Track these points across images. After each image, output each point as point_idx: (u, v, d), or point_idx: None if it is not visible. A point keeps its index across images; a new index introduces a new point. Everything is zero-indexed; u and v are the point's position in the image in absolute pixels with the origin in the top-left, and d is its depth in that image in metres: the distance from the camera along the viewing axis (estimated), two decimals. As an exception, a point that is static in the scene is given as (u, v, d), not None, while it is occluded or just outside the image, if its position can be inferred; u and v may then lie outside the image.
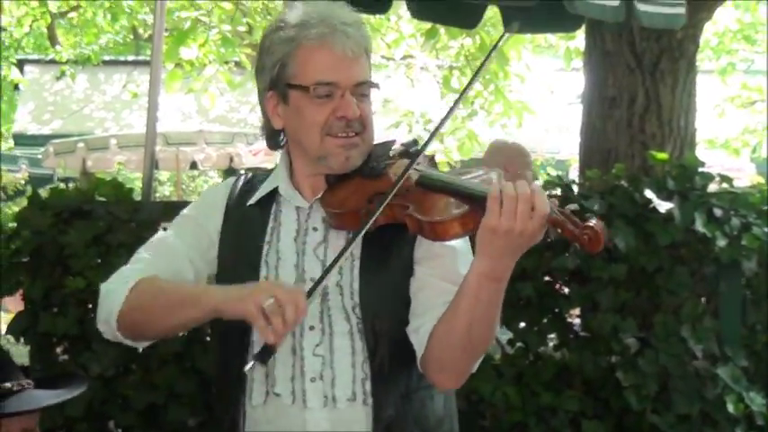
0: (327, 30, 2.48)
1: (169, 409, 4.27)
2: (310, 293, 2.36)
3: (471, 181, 2.44)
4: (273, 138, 2.66)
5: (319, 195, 2.57)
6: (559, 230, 2.27)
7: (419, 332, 2.49)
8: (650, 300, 4.45)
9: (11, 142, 13.42)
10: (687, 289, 4.44)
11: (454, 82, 10.11)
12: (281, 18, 2.59)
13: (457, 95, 10.84)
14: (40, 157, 11.41)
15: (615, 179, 4.48)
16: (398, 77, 11.51)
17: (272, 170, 2.72)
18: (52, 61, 13.66)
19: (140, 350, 3.00)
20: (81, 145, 10.70)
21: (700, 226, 4.32)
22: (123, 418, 4.30)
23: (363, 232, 2.47)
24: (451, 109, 2.89)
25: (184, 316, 2.51)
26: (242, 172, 3.14)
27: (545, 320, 4.50)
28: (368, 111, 2.55)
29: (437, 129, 2.73)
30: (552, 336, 4.59)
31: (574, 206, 2.37)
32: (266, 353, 2.32)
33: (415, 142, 2.64)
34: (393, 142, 2.65)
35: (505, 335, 4.38)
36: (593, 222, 2.18)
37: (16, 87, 14.25)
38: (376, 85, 2.56)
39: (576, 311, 4.71)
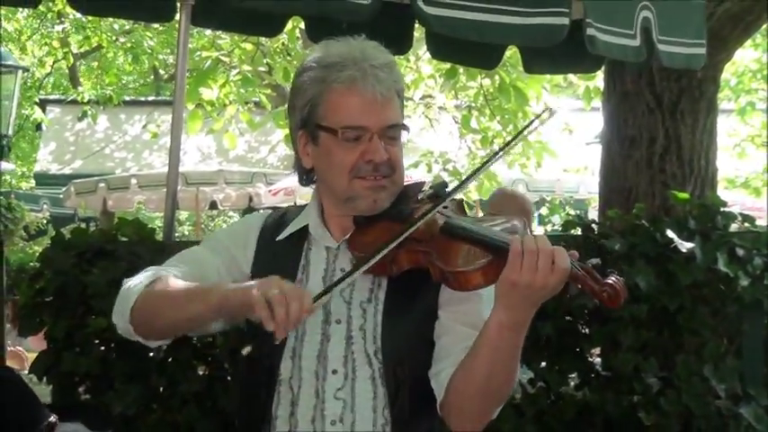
0: (358, 73, 2.49)
1: (190, 449, 4.12)
2: (317, 298, 2.40)
3: (494, 230, 2.46)
4: (304, 175, 2.69)
5: (347, 236, 2.59)
6: (579, 286, 2.29)
7: (440, 377, 2.51)
8: (672, 339, 4.41)
9: (32, 182, 13.43)
10: (709, 328, 4.39)
11: (473, 122, 10.09)
12: (313, 57, 2.61)
13: (477, 136, 10.97)
14: (61, 196, 11.44)
15: (636, 219, 4.46)
16: (417, 117, 11.45)
17: (304, 206, 2.73)
18: (74, 101, 13.67)
19: (161, 390, 3.05)
20: (102, 185, 10.78)
21: (722, 265, 4.30)
22: (144, 458, 4.18)
23: (378, 258, 2.49)
24: (489, 161, 2.91)
25: (190, 310, 2.54)
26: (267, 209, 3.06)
27: (566, 359, 4.38)
28: (397, 153, 2.57)
29: (469, 177, 2.83)
30: (573, 375, 4.48)
31: (596, 261, 2.22)
32: (271, 341, 2.40)
33: (445, 185, 2.66)
34: (423, 184, 2.67)
35: (526, 374, 4.29)
36: (612, 279, 2.20)
37: (38, 127, 14.29)
38: (406, 128, 2.58)
39: (597, 351, 4.68)
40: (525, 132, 3.04)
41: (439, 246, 2.47)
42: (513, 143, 2.95)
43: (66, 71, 14.02)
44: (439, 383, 2.51)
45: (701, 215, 4.43)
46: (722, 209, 4.51)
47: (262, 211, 3.01)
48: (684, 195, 4.75)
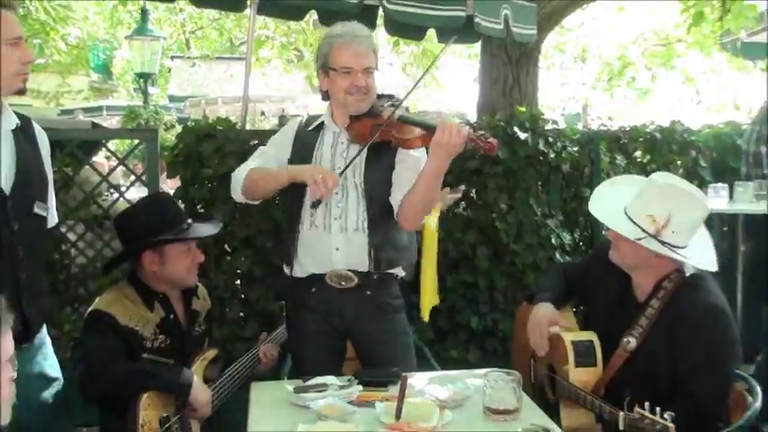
0: (350, 38, 3.09)
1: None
2: (341, 174, 3.01)
3: (426, 118, 3.02)
4: (322, 94, 3.24)
5: (345, 125, 3.16)
6: (473, 144, 2.85)
7: (395, 198, 3.10)
8: (515, 184, 5.30)
9: (167, 99, 16.42)
10: (533, 179, 5.34)
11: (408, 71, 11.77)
12: (329, 31, 3.22)
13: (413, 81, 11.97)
14: (182, 107, 14.08)
15: (497, 121, 5.39)
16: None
17: (321, 114, 3.29)
18: (188, 57, 17.40)
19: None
20: (203, 101, 13.22)
21: (541, 146, 5.33)
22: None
23: (368, 144, 3.04)
24: (414, 85, 3.38)
25: (275, 182, 3.13)
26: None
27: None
28: (371, 81, 3.12)
29: (410, 92, 3.23)
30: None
31: (482, 132, 2.89)
32: (317, 203, 2.94)
33: (396, 98, 3.19)
34: (383, 95, 3.20)
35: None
36: (491, 138, 2.87)
37: (169, 71, 17.71)
38: (376, 68, 3.14)
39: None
40: (433, 65, 3.71)
41: (397, 127, 3.02)
42: (427, 72, 3.57)
43: (183, 40, 17.08)
44: (395, 202, 3.10)
45: (530, 119, 5.41)
46: (541, 116, 5.51)
47: (299, 117, 3.50)
48: (522, 109, 5.64)
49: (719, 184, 5.71)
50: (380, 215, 3.13)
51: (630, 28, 12.74)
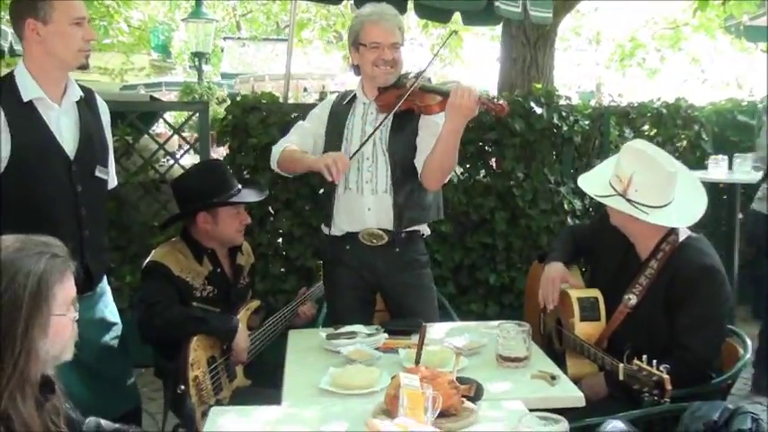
0: (378, 17, 3.12)
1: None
2: (352, 156, 3.06)
3: (444, 86, 3.04)
4: (354, 69, 3.28)
5: (374, 97, 3.22)
6: (485, 107, 2.87)
7: (418, 161, 3.12)
8: (531, 153, 5.27)
9: (219, 76, 16.54)
10: (547, 149, 5.28)
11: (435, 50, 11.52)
12: (360, 11, 3.28)
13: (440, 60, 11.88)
14: (232, 83, 14.32)
15: (515, 97, 5.31)
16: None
17: (353, 90, 3.32)
18: (239, 38, 17.73)
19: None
20: (251, 79, 13.35)
21: (555, 120, 5.27)
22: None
23: (393, 112, 3.08)
24: (433, 57, 3.48)
25: (300, 166, 3.23)
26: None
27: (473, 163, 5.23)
28: (398, 56, 3.14)
29: (430, 62, 3.35)
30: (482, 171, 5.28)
31: (494, 96, 3.04)
32: (331, 184, 3.08)
33: (419, 72, 3.17)
34: (408, 73, 3.21)
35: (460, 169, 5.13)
36: (502, 101, 2.94)
37: (222, 50, 17.82)
38: (402, 44, 3.16)
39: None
40: (447, 40, 3.61)
41: (419, 95, 3.05)
42: (443, 45, 3.43)
43: (234, 22, 17.55)
44: (418, 164, 3.11)
45: (546, 95, 5.34)
46: (555, 93, 5.43)
47: (336, 93, 3.53)
48: (538, 86, 5.61)
49: (720, 156, 5.69)
50: (404, 177, 3.13)
51: (641, 13, 12.55)
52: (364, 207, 3.16)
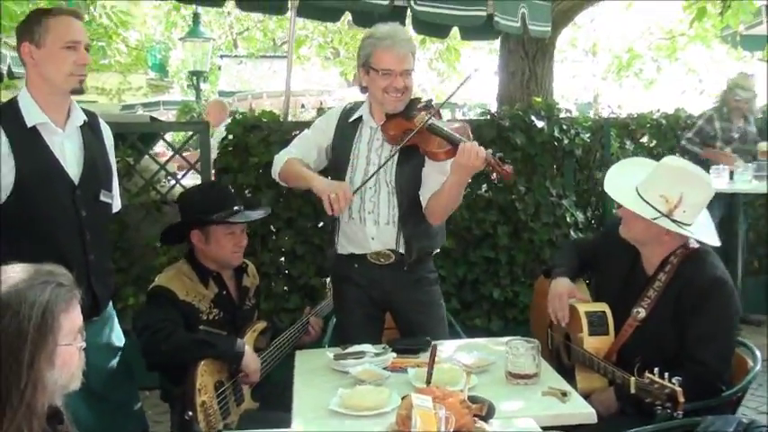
0: (392, 42, 3.02)
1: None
2: (355, 191, 3.00)
3: (454, 132, 2.92)
4: (362, 89, 3.21)
5: (382, 122, 3.13)
6: (490, 168, 2.87)
7: (424, 196, 3.09)
8: (532, 167, 5.23)
9: (217, 95, 16.08)
10: (548, 163, 5.27)
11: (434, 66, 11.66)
12: (371, 31, 3.12)
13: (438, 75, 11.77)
14: (230, 101, 13.45)
15: (515, 110, 5.32)
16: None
17: (362, 103, 3.22)
18: (236, 56, 17.78)
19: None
20: (249, 96, 13.15)
21: (556, 132, 5.27)
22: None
23: (393, 154, 3.01)
24: (457, 89, 3.08)
25: (303, 184, 3.14)
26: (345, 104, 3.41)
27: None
28: (409, 82, 3.07)
29: (448, 98, 3.29)
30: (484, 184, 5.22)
31: (500, 154, 2.90)
32: (331, 217, 3.03)
33: (431, 100, 3.14)
34: (419, 99, 3.16)
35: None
36: (508, 166, 2.85)
37: (219, 68, 17.77)
38: (413, 71, 3.09)
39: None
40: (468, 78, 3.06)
41: (425, 137, 2.96)
42: (463, 84, 2.89)
43: (231, 40, 17.73)
44: (423, 199, 3.09)
45: (546, 108, 5.34)
46: (555, 106, 5.42)
47: (341, 105, 3.41)
48: (538, 99, 5.58)
49: (721, 166, 5.68)
50: (411, 210, 3.11)
51: (637, 23, 12.57)
52: (368, 236, 3.14)
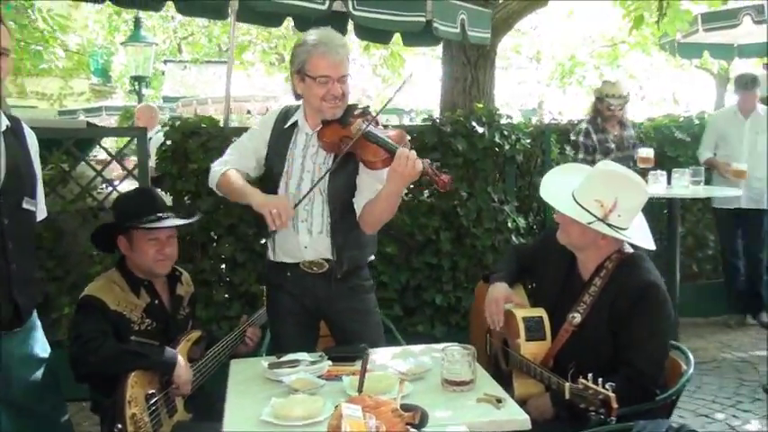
0: (327, 48, 2.95)
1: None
2: (296, 205, 2.97)
3: (390, 140, 2.88)
4: (296, 96, 3.13)
5: (317, 129, 3.06)
6: (428, 177, 2.81)
7: (358, 204, 3.05)
8: (475, 172, 5.25)
9: (161, 101, 16.19)
10: (489, 168, 5.27)
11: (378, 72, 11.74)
12: (306, 37, 3.04)
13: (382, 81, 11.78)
14: (174, 107, 13.92)
15: (457, 116, 5.34)
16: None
17: (298, 107, 3.15)
18: (180, 61, 17.55)
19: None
20: (194, 102, 12.93)
21: (497, 138, 5.30)
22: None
23: (331, 168, 2.95)
24: (393, 95, 3.06)
25: (242, 199, 3.06)
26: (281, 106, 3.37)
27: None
28: (346, 88, 3.01)
29: (385, 105, 3.27)
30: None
31: (437, 164, 2.89)
32: (272, 232, 2.99)
33: (368, 107, 3.08)
34: (356, 105, 3.10)
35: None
36: (445, 176, 2.79)
37: (163, 73, 17.70)
38: (350, 75, 3.03)
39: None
40: (404, 83, 3.13)
41: (362, 144, 2.90)
42: (399, 90, 2.95)
43: (176, 45, 17.25)
44: (357, 206, 3.05)
45: (486, 114, 5.37)
46: (496, 112, 5.45)
47: (276, 108, 3.35)
48: (480, 105, 5.65)
49: (659, 171, 5.77)
50: (342, 219, 3.07)
51: (580, 31, 12.76)
52: (301, 245, 3.10)
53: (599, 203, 2.84)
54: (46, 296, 4.75)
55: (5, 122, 2.72)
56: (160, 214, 3.12)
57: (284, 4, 4.48)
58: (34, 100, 16.30)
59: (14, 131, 2.77)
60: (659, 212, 6.21)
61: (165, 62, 18.55)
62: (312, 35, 3.02)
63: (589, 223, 2.84)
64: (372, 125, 2.95)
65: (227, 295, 5.01)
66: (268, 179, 3.17)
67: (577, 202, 2.90)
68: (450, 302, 5.27)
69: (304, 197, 2.97)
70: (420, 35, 5.14)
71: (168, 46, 18.22)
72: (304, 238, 3.08)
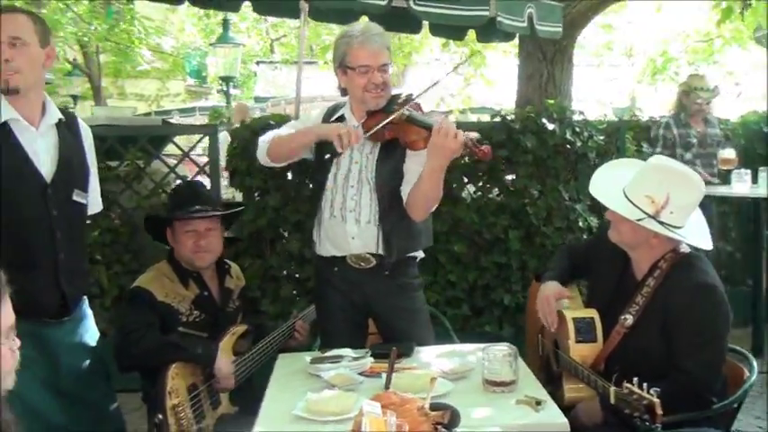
0: (365, 38, 3.02)
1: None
2: (366, 137, 2.99)
3: (429, 118, 2.93)
4: (341, 90, 3.21)
5: (362, 120, 3.10)
6: (468, 150, 2.80)
7: (405, 191, 3.05)
8: (546, 171, 5.14)
9: (253, 101, 16.67)
10: (561, 167, 5.17)
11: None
12: (345, 31, 3.13)
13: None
14: (265, 106, 14.01)
15: (529, 113, 5.22)
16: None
17: (344, 104, 3.22)
18: (271, 62, 18.26)
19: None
20: (282, 102, 13.20)
21: (568, 135, 5.16)
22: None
23: (374, 130, 2.97)
24: (432, 84, 3.13)
25: (303, 139, 3.12)
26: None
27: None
28: (387, 77, 3.05)
29: (427, 89, 3.18)
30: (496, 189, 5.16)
31: (475, 135, 2.84)
32: (338, 153, 3.00)
33: (411, 95, 3.07)
34: (399, 95, 3.12)
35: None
36: (486, 146, 2.79)
37: (255, 74, 18.41)
38: (391, 64, 3.09)
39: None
40: (455, 68, 3.37)
41: (404, 127, 2.96)
42: (449, 74, 3.15)
43: (268, 46, 18.39)
44: (404, 194, 3.05)
45: (558, 111, 5.25)
46: (568, 108, 5.34)
47: (325, 105, 3.38)
48: (551, 101, 5.52)
49: (743, 170, 5.55)
50: (391, 207, 3.06)
51: (672, 27, 12.34)
52: (348, 236, 3.09)
53: (650, 199, 2.70)
54: (121, 288, 4.86)
55: (58, 115, 2.79)
56: (198, 207, 3.13)
57: (345, 1, 4.56)
58: (133, 101, 16.89)
59: (69, 125, 2.84)
60: (746, 213, 5.92)
61: (258, 63, 18.93)
62: (350, 28, 3.10)
63: (639, 220, 2.71)
64: (416, 109, 2.98)
65: (294, 291, 5.04)
66: (317, 171, 3.19)
67: (628, 198, 2.77)
68: (518, 303, 5.14)
69: (371, 133, 2.96)
70: (492, 30, 5.07)
71: (261, 47, 18.60)
72: (352, 228, 3.07)
